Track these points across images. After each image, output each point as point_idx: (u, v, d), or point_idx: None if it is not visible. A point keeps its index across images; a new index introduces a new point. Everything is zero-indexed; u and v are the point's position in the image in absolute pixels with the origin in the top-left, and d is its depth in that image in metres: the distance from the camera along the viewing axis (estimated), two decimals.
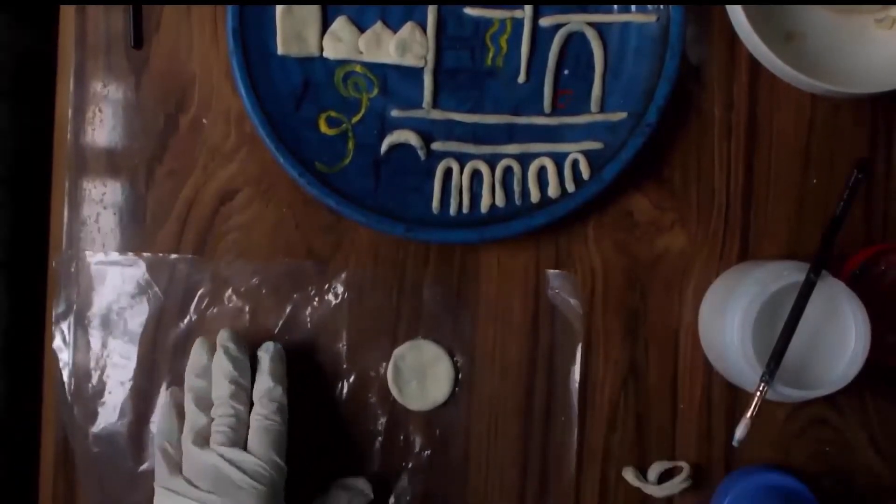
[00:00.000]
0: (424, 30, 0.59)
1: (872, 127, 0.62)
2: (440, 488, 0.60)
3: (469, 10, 0.59)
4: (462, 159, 0.59)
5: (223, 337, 0.56)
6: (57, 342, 0.60)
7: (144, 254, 0.60)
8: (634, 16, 0.59)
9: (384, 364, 0.60)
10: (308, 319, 0.60)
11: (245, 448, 0.53)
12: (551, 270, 0.60)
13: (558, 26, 0.59)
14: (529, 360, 0.60)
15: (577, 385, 0.60)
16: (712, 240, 0.61)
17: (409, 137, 0.59)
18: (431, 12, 0.59)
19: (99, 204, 0.60)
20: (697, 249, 0.61)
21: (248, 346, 0.57)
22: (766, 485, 0.58)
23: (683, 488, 0.59)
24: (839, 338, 0.54)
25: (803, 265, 0.55)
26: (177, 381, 0.59)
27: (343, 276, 0.60)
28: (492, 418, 0.60)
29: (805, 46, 0.60)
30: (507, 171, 0.59)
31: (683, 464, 0.60)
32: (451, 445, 0.60)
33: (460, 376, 0.60)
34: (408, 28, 0.59)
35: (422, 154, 0.59)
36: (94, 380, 0.60)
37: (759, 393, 0.53)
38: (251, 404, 0.55)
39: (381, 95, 0.59)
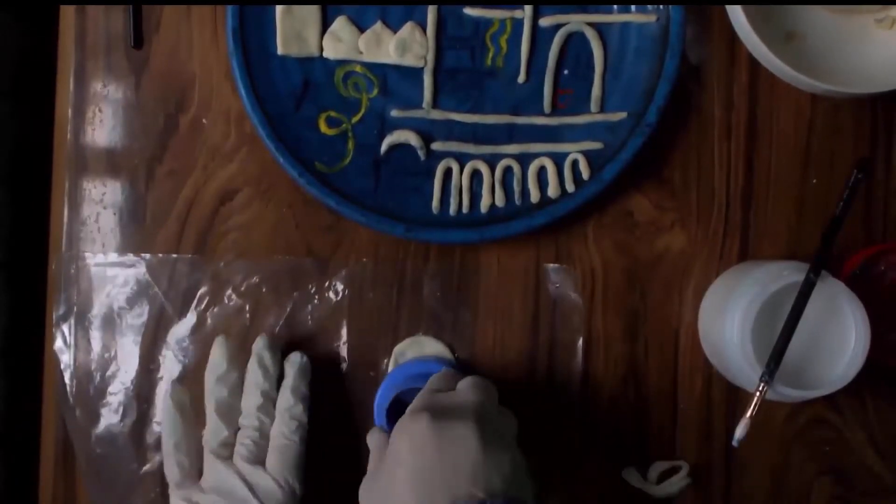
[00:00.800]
0: (424, 30, 0.59)
1: (872, 127, 0.62)
2: None
3: (469, 10, 0.59)
4: (462, 159, 0.59)
5: (259, 345, 0.57)
6: (58, 344, 0.60)
7: (144, 254, 0.60)
8: (634, 16, 0.59)
9: (385, 361, 0.60)
10: (309, 318, 0.60)
11: (265, 462, 0.54)
12: (551, 265, 0.60)
13: (558, 26, 0.59)
14: (529, 360, 0.60)
15: (577, 384, 0.60)
16: (712, 240, 0.61)
17: (409, 137, 0.59)
18: (431, 12, 0.59)
19: (99, 204, 0.60)
20: (697, 249, 0.61)
21: (280, 353, 0.58)
22: (414, 373, 0.57)
23: (683, 487, 0.59)
24: (839, 338, 0.54)
25: (803, 265, 0.55)
26: (181, 383, 0.59)
27: (343, 272, 0.60)
28: None
29: (805, 46, 0.60)
30: (507, 171, 0.59)
31: (683, 463, 0.60)
32: None
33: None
34: (408, 28, 0.59)
35: (422, 154, 0.59)
36: (96, 381, 0.60)
37: (759, 393, 0.53)
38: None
39: (381, 95, 0.59)
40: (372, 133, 0.59)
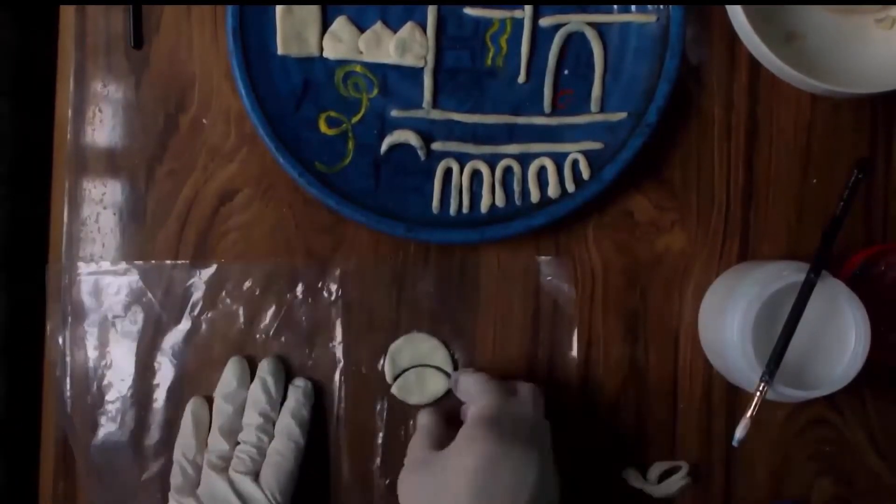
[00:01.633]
0: (424, 30, 0.59)
1: (872, 127, 0.62)
2: None
3: (469, 10, 0.59)
4: (462, 159, 0.59)
5: (263, 368, 0.58)
6: (55, 353, 0.60)
7: (137, 262, 0.60)
8: (634, 16, 0.59)
9: (382, 358, 0.60)
10: (304, 319, 0.60)
11: (258, 476, 0.55)
12: (543, 257, 0.60)
13: (558, 26, 0.59)
14: (529, 360, 0.60)
15: (577, 384, 0.60)
16: (712, 240, 0.61)
17: (409, 137, 0.59)
18: (431, 12, 0.59)
19: (99, 204, 0.60)
20: (697, 249, 0.61)
21: (284, 375, 0.59)
22: None
23: (683, 487, 0.59)
24: (839, 338, 0.54)
25: (803, 265, 0.55)
26: (177, 389, 0.59)
27: (337, 273, 0.60)
28: None
29: (805, 46, 0.60)
30: (507, 171, 0.59)
31: (683, 463, 0.60)
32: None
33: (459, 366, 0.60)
34: (408, 28, 0.59)
35: (422, 154, 0.59)
36: (93, 390, 0.60)
37: (759, 393, 0.53)
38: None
39: (381, 95, 0.59)
40: (372, 133, 0.59)
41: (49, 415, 0.60)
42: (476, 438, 0.49)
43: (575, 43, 0.60)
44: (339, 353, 0.60)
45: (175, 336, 0.60)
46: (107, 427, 0.60)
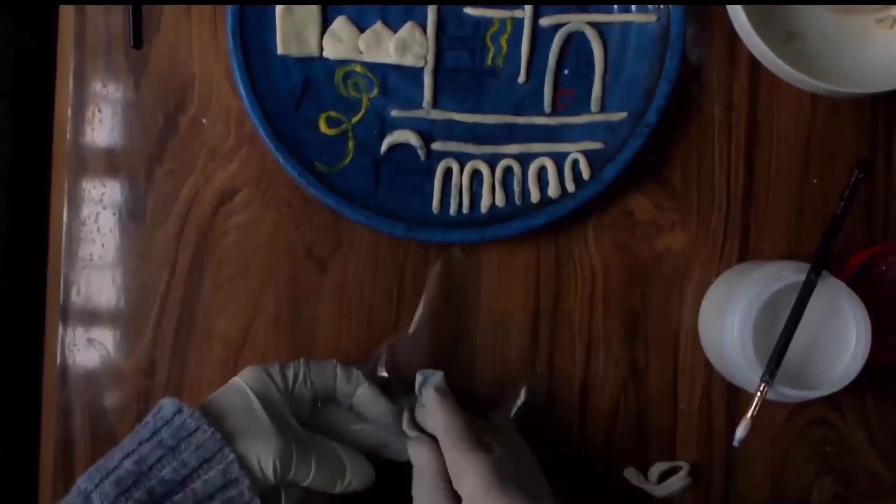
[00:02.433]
0: (424, 30, 0.59)
1: (872, 127, 0.62)
2: None
3: (469, 10, 0.59)
4: (462, 159, 0.59)
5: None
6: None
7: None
8: (634, 15, 0.59)
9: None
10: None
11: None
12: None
13: (558, 26, 0.59)
14: (529, 360, 0.60)
15: (577, 384, 0.60)
16: (712, 240, 0.61)
17: (409, 137, 0.59)
18: (431, 12, 0.59)
19: (99, 204, 0.60)
20: (697, 249, 0.61)
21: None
22: None
23: (683, 487, 0.59)
24: (839, 338, 0.54)
25: (803, 265, 0.55)
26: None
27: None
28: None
29: (805, 46, 0.60)
30: (507, 171, 0.59)
31: (683, 463, 0.60)
32: None
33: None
34: (408, 28, 0.59)
35: (422, 154, 0.59)
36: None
37: (759, 393, 0.53)
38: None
39: (381, 95, 0.59)
40: (372, 133, 0.59)
41: (49, 415, 0.60)
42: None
43: (575, 43, 0.60)
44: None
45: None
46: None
